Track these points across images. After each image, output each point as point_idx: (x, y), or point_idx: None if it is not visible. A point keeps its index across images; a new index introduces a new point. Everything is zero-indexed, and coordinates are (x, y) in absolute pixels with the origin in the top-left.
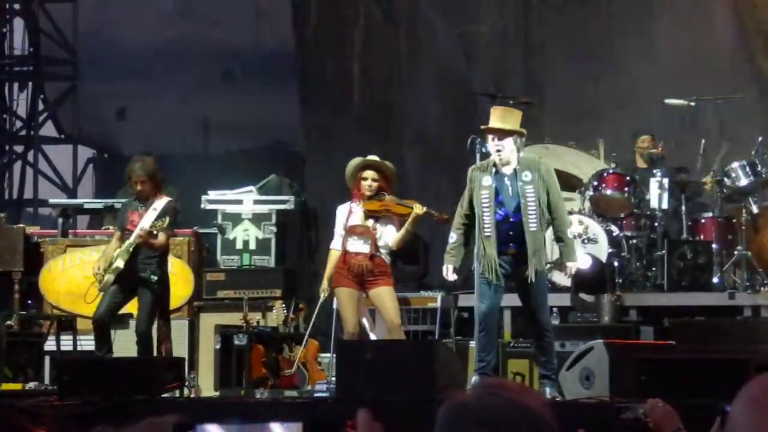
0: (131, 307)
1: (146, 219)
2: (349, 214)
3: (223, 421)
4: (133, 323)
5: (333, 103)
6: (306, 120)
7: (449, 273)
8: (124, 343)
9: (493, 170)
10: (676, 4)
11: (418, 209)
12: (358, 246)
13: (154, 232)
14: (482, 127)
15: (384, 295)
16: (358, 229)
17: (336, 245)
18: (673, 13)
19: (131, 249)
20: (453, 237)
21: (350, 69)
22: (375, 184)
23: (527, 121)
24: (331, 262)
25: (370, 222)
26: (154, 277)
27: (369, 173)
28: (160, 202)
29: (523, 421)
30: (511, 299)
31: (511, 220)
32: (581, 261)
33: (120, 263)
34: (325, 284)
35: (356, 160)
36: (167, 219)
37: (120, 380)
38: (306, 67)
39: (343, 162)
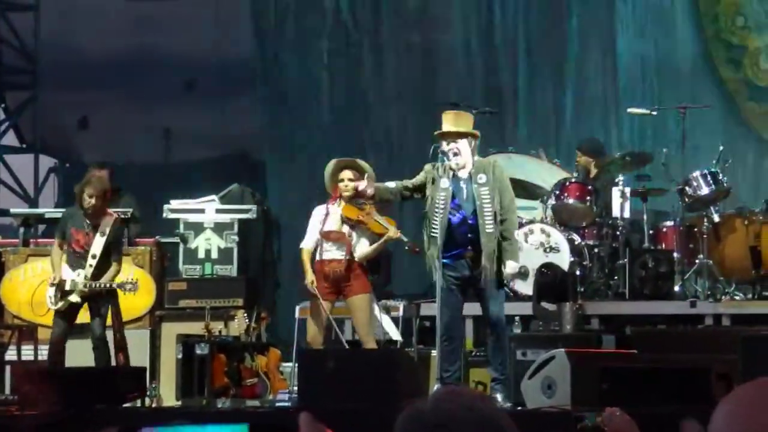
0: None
1: (96, 245)
2: (325, 217)
3: (167, 423)
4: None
5: (295, 112)
6: (268, 128)
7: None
8: (81, 353)
9: (450, 173)
10: (639, 15)
11: (393, 233)
12: (333, 252)
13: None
14: (436, 132)
15: (355, 304)
16: (333, 234)
17: (306, 244)
18: (636, 23)
19: (87, 288)
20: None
21: (313, 77)
22: (352, 184)
23: (490, 131)
24: (306, 258)
25: (346, 228)
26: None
27: (346, 173)
28: (106, 224)
29: (479, 424)
30: (475, 308)
31: (469, 222)
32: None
33: (76, 298)
34: (310, 276)
35: (334, 161)
36: (128, 285)
37: (81, 390)
38: (268, 76)
39: (306, 170)
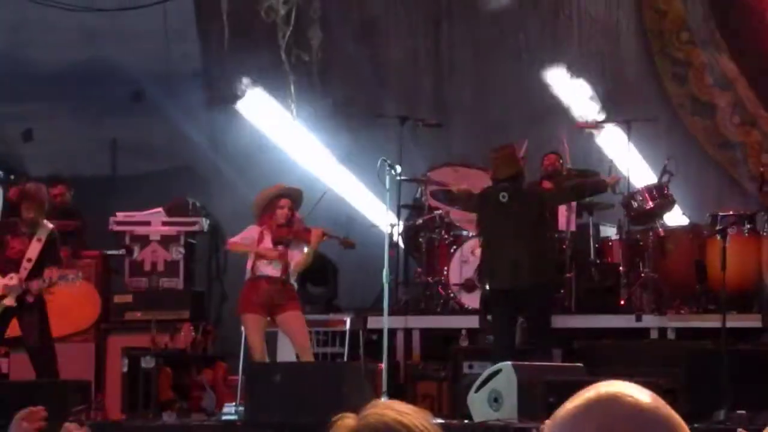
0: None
1: (32, 250)
2: (260, 237)
3: None
4: None
5: (240, 125)
6: (214, 141)
7: None
8: (22, 366)
9: None
10: (584, 30)
11: (316, 233)
12: (269, 270)
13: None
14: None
15: (292, 320)
16: (271, 253)
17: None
18: (582, 37)
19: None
20: None
21: (258, 90)
22: (290, 213)
23: (437, 144)
24: (240, 243)
25: (280, 248)
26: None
27: (285, 202)
28: (43, 232)
29: None
30: (420, 321)
31: None
32: None
33: (11, 301)
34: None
35: (272, 190)
36: (54, 279)
37: (24, 403)
38: (212, 88)
39: (251, 185)
